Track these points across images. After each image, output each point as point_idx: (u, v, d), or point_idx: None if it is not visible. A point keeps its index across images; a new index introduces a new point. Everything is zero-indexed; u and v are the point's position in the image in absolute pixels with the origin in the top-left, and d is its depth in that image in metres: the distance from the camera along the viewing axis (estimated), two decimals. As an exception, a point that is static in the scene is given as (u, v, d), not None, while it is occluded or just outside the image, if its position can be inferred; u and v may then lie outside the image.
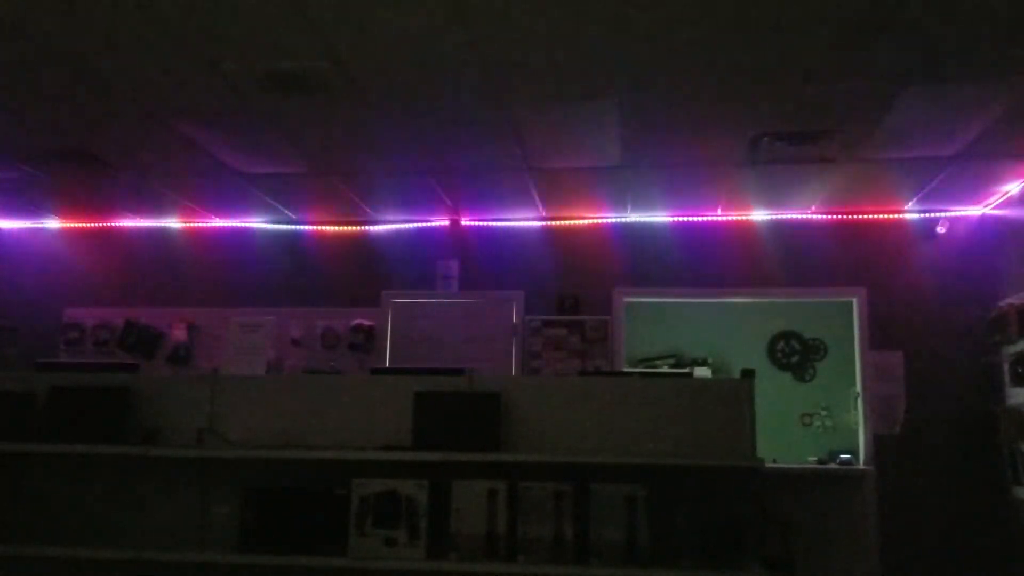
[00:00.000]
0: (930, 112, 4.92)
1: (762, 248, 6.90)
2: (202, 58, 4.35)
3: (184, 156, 5.80)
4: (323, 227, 7.38)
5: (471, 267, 7.13)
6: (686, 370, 7.78)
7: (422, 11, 3.86)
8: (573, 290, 6.99)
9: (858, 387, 6.70)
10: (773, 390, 8.07)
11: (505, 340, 6.98)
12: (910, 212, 6.75)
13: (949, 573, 6.21)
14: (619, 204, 6.80)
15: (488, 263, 7.14)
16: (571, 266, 7.05)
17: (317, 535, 3.88)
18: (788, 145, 5.40)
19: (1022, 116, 4.93)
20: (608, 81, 4.58)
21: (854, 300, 6.78)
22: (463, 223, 7.24)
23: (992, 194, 6.37)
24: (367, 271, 7.24)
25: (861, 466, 6.52)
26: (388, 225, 7.32)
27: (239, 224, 7.46)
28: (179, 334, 7.25)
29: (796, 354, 8.44)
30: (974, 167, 5.79)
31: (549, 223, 7.15)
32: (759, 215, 6.93)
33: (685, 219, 7.01)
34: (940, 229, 6.68)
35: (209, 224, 7.48)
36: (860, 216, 6.82)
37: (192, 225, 7.50)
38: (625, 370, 6.88)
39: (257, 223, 7.43)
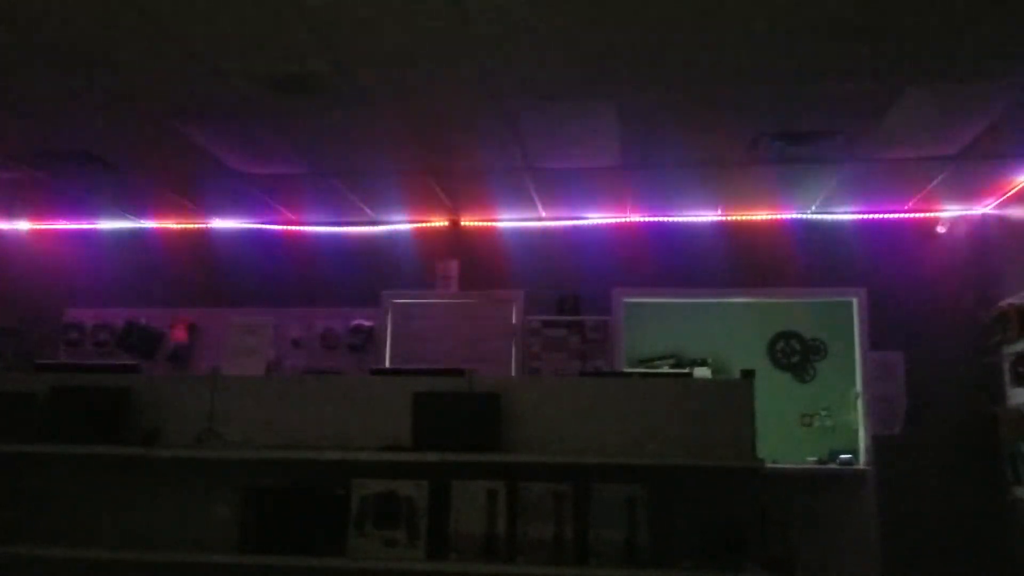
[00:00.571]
0: (930, 112, 4.92)
1: (762, 248, 6.90)
2: (203, 60, 4.35)
3: (184, 157, 5.80)
4: (323, 227, 7.37)
5: (471, 267, 7.13)
6: (686, 370, 7.76)
7: (421, 12, 3.86)
8: (573, 290, 6.99)
9: (858, 387, 6.70)
10: (773, 390, 8.05)
11: (505, 340, 6.98)
12: (910, 212, 6.75)
13: (949, 573, 6.21)
14: (619, 204, 6.80)
15: (488, 263, 7.14)
16: (571, 266, 7.05)
17: (317, 535, 3.88)
18: (788, 145, 5.40)
19: (1022, 116, 4.92)
20: (607, 81, 4.58)
21: (854, 300, 6.78)
22: (463, 223, 7.23)
23: (993, 194, 6.37)
24: (367, 271, 7.24)
25: (861, 466, 6.52)
26: (388, 225, 7.32)
27: (239, 225, 7.45)
28: (179, 334, 7.25)
29: (796, 354, 8.43)
30: (974, 167, 5.78)
31: (548, 223, 7.15)
32: (759, 215, 6.92)
33: (685, 219, 7.01)
34: (940, 229, 6.68)
35: (209, 225, 7.48)
36: (860, 216, 6.82)
37: (192, 225, 7.50)
38: (625, 371, 6.88)
39: (257, 223, 7.43)
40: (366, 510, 3.82)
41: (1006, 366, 6.11)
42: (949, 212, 6.70)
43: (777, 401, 8.02)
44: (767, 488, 3.96)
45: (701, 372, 8.07)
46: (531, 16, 3.89)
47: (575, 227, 7.13)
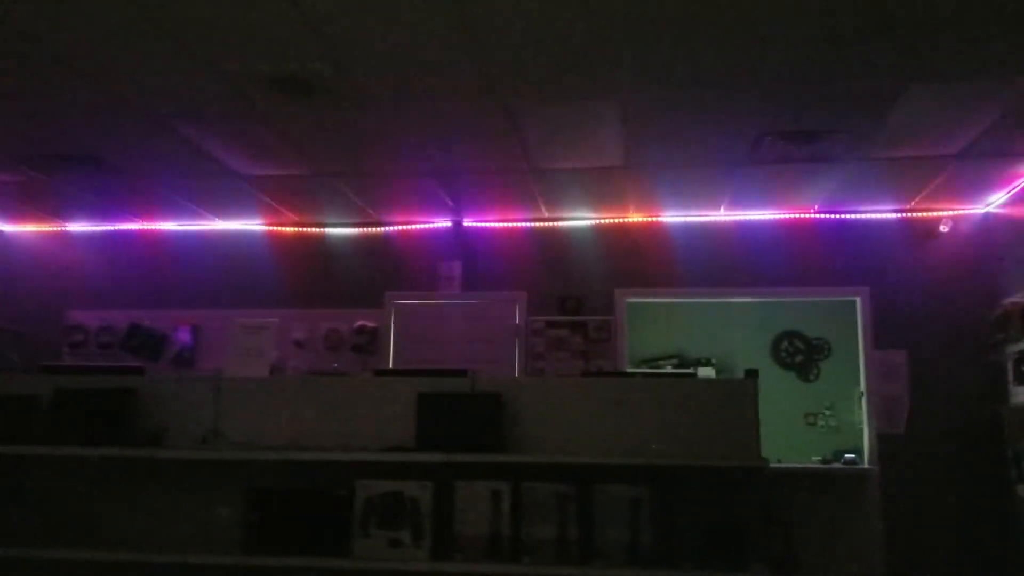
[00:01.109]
0: (932, 111, 4.91)
1: (765, 248, 6.89)
2: (204, 61, 4.36)
3: (187, 159, 5.81)
4: (326, 229, 7.38)
5: (474, 268, 7.14)
6: (689, 370, 7.78)
7: (423, 13, 3.86)
8: (576, 291, 7.00)
9: (862, 386, 6.70)
10: (777, 390, 8.05)
11: (508, 341, 6.98)
12: (913, 211, 6.75)
13: (953, 572, 6.20)
14: (621, 204, 6.80)
15: (491, 264, 7.15)
16: (574, 267, 7.05)
17: (321, 536, 3.88)
18: (790, 144, 5.40)
19: (1025, 114, 4.93)
20: (610, 81, 4.58)
21: (857, 299, 6.77)
22: (465, 224, 7.24)
23: (995, 193, 6.36)
24: (370, 273, 7.25)
25: (865, 466, 6.52)
26: (390, 226, 7.32)
27: (242, 226, 7.47)
28: (183, 336, 7.26)
29: (800, 354, 8.43)
30: (977, 166, 5.78)
31: (551, 224, 7.15)
32: (762, 215, 6.92)
33: (688, 219, 7.01)
34: (943, 228, 6.68)
35: (212, 226, 7.49)
36: (863, 215, 6.82)
37: (195, 227, 7.51)
38: (628, 370, 6.89)
39: (260, 225, 7.44)
40: (370, 511, 3.82)
41: (1009, 365, 6.11)
42: (952, 211, 6.69)
43: (781, 400, 8.01)
44: (771, 488, 3.96)
45: (705, 372, 8.07)
46: (532, 16, 3.89)
47: (578, 227, 7.13)
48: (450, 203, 6.80)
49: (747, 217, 6.94)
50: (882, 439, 6.47)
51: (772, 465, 3.90)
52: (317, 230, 7.39)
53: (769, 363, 8.35)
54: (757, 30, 3.99)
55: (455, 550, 3.77)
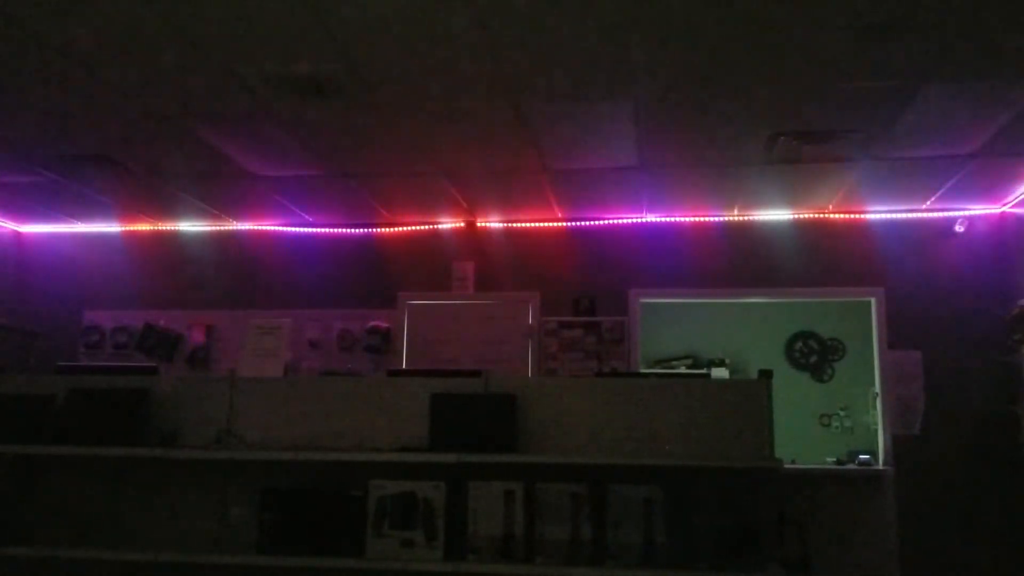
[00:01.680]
0: (948, 110, 4.89)
1: (779, 248, 6.87)
2: (219, 62, 4.38)
3: (201, 160, 5.84)
4: (339, 229, 7.40)
5: (487, 268, 7.14)
6: (703, 371, 7.77)
7: (437, 14, 3.87)
8: (589, 291, 6.99)
9: (876, 387, 6.67)
10: (791, 390, 8.04)
11: (521, 341, 6.98)
12: (928, 211, 6.71)
13: (968, 574, 6.17)
14: (635, 204, 6.79)
15: (504, 264, 7.15)
16: (587, 267, 7.05)
17: (335, 536, 3.89)
18: (805, 144, 5.38)
19: (1041, 114, 4.90)
20: (624, 81, 4.57)
21: (872, 300, 6.75)
22: (479, 224, 7.24)
23: (1011, 192, 6.32)
24: (383, 273, 7.26)
25: (880, 467, 6.49)
26: (404, 227, 7.33)
27: (256, 227, 7.49)
28: (197, 336, 7.29)
29: (814, 354, 8.40)
30: (993, 165, 5.75)
31: (565, 224, 7.15)
32: (776, 214, 6.90)
33: (702, 219, 7.00)
34: (958, 228, 6.64)
35: (226, 227, 7.52)
36: (878, 215, 6.79)
37: (210, 228, 7.54)
38: (642, 371, 6.88)
39: (274, 226, 7.46)
40: (384, 511, 3.83)
41: (1026, 365, 6.08)
42: (967, 211, 6.65)
43: (795, 401, 8.00)
44: (785, 488, 3.95)
45: (718, 372, 8.06)
46: (546, 16, 3.89)
47: (591, 227, 7.12)
48: (463, 203, 6.80)
49: (761, 217, 6.92)
50: (897, 440, 6.44)
51: (786, 466, 3.88)
52: (331, 230, 7.41)
53: (783, 364, 8.33)
54: (771, 30, 3.98)
55: (468, 550, 3.77)
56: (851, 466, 6.66)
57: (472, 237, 7.24)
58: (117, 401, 4.25)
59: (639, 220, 7.06)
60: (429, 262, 7.22)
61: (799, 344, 8.44)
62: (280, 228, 7.47)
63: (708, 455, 3.96)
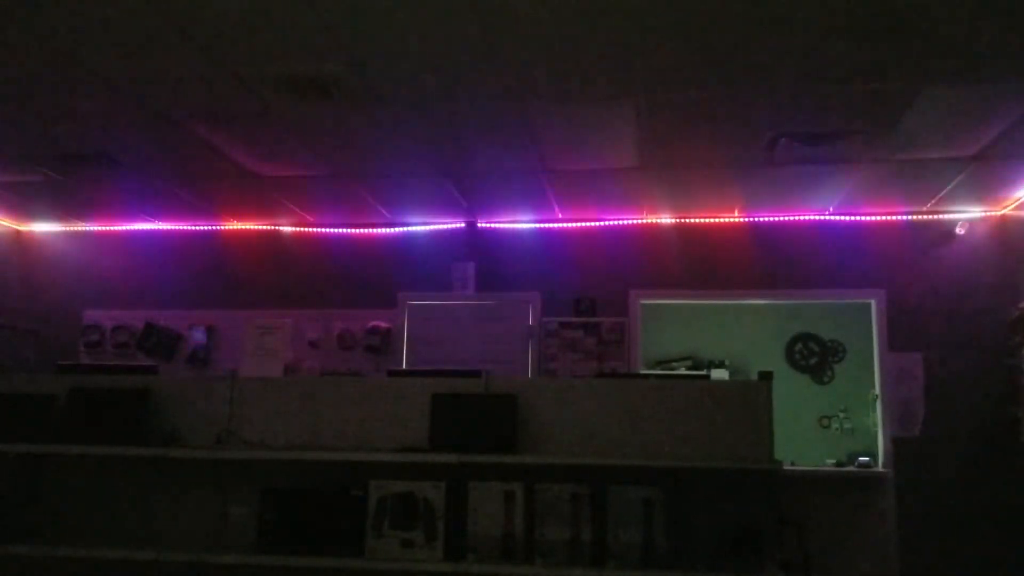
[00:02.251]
0: (949, 113, 4.89)
1: (780, 249, 6.87)
2: (220, 62, 4.38)
3: (202, 159, 5.84)
4: (340, 229, 7.40)
5: (487, 269, 7.14)
6: (703, 372, 7.76)
7: (439, 14, 3.87)
8: (589, 292, 6.99)
9: (877, 389, 6.67)
10: (791, 392, 8.03)
11: (521, 342, 6.99)
12: (929, 213, 6.71)
13: (969, 577, 6.18)
14: (636, 206, 6.79)
15: (504, 265, 7.15)
16: (587, 268, 7.05)
17: (334, 536, 3.89)
18: (806, 146, 5.38)
19: (1042, 116, 4.90)
20: (624, 83, 4.57)
21: (872, 302, 6.75)
22: (479, 225, 7.25)
23: (1012, 195, 6.32)
24: (383, 273, 7.26)
25: (880, 469, 6.49)
26: (404, 227, 7.33)
27: (257, 227, 7.49)
28: (198, 336, 7.30)
29: (814, 356, 8.39)
30: (994, 168, 5.74)
31: (565, 225, 7.15)
32: (777, 216, 6.90)
33: (702, 221, 7.00)
34: (960, 230, 6.64)
35: (227, 227, 7.52)
36: (879, 217, 6.79)
37: (211, 228, 7.54)
38: (642, 372, 6.87)
39: (275, 225, 7.46)
40: (384, 511, 3.83)
41: (1026, 368, 6.07)
42: (968, 213, 6.66)
43: (795, 403, 7.99)
44: (785, 490, 3.95)
45: (718, 374, 8.06)
46: (548, 18, 3.89)
47: (592, 228, 7.12)
48: (464, 204, 6.80)
49: (762, 219, 6.92)
50: (897, 442, 6.44)
51: (786, 468, 3.89)
52: (332, 230, 7.41)
53: (783, 365, 8.32)
54: (772, 31, 3.98)
55: (468, 551, 3.77)
56: (851, 468, 6.66)
57: (473, 237, 7.24)
58: (118, 401, 4.25)
59: (639, 221, 7.06)
60: (430, 262, 7.22)
61: (799, 346, 8.43)
62: (281, 228, 7.47)
63: (708, 456, 3.96)
